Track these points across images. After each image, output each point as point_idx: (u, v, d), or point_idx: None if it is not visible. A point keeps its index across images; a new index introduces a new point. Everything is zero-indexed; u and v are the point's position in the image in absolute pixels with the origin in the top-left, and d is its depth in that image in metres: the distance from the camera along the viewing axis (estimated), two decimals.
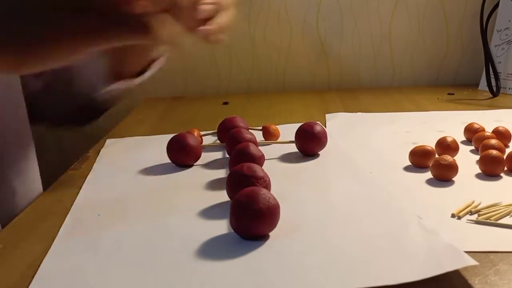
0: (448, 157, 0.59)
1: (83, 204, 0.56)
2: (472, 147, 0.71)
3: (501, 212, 0.49)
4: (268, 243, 0.44)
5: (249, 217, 0.44)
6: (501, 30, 1.15)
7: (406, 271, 0.38)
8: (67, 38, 0.43)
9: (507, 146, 0.70)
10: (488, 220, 0.48)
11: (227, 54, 1.26)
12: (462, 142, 0.74)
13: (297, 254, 0.42)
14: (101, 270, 0.42)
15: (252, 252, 0.42)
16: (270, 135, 0.77)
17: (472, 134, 0.72)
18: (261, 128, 0.79)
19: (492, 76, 1.10)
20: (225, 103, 1.12)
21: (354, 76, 1.28)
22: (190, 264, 0.42)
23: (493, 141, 0.65)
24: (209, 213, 0.52)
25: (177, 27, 0.44)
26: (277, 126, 0.79)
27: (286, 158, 0.69)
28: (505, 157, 0.61)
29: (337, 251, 0.42)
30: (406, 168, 0.64)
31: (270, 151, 0.71)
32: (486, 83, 1.10)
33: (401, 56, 1.27)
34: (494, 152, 0.60)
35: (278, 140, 0.77)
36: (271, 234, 0.46)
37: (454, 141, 0.67)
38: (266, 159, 0.63)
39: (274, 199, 0.45)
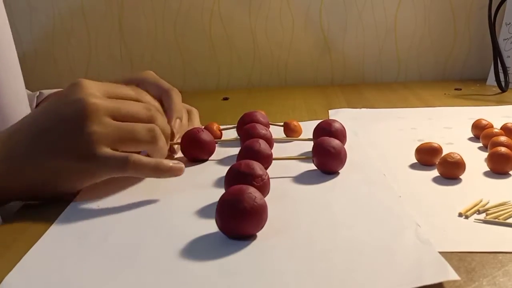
0: (455, 154, 0.57)
1: (85, 193, 0.56)
2: (480, 144, 0.69)
3: (510, 211, 0.48)
4: (253, 243, 0.43)
5: (233, 216, 0.43)
6: (510, 23, 1.13)
7: (382, 280, 0.37)
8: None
9: None
10: (497, 220, 0.46)
11: (227, 48, 1.24)
12: (470, 139, 0.73)
13: (277, 257, 0.41)
14: (80, 261, 0.42)
15: (233, 253, 0.42)
16: (291, 132, 0.75)
17: (480, 130, 0.70)
18: (282, 124, 0.76)
19: (500, 70, 1.08)
20: (225, 98, 1.10)
21: (358, 71, 1.26)
22: (168, 262, 0.41)
23: (503, 138, 0.63)
24: (207, 210, 0.50)
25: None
26: (299, 122, 0.76)
27: (302, 155, 0.66)
28: None
29: (319, 256, 0.41)
30: (412, 166, 0.62)
31: (289, 148, 0.69)
32: (494, 78, 1.08)
33: (407, 50, 1.25)
34: (503, 149, 0.59)
35: (299, 138, 0.74)
36: (259, 234, 0.44)
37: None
38: (281, 156, 0.62)
39: (262, 199, 0.44)
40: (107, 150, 0.52)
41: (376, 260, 0.40)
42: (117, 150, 0.53)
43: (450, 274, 0.37)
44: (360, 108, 0.94)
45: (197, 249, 0.43)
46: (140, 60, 1.25)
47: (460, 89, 1.10)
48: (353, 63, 1.25)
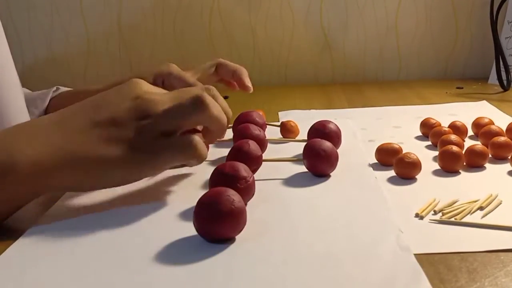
0: (411, 155, 0.58)
1: (69, 193, 0.57)
2: (429, 143, 0.70)
3: (465, 209, 0.48)
4: (230, 247, 0.43)
5: (210, 219, 0.43)
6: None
7: (356, 285, 0.37)
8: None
9: (464, 140, 0.68)
10: (453, 219, 0.47)
11: (227, 46, 1.24)
12: (417, 138, 0.73)
13: (251, 262, 0.41)
14: (54, 260, 0.42)
15: (208, 257, 0.41)
16: (288, 132, 0.74)
17: (429, 129, 0.71)
18: (279, 124, 0.75)
19: (502, 69, 1.07)
20: (225, 97, 1.09)
21: (359, 69, 1.25)
22: (141, 264, 0.41)
23: (453, 137, 0.64)
24: (190, 213, 0.49)
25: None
26: (296, 123, 0.75)
27: (295, 157, 0.65)
28: (463, 152, 0.60)
29: (294, 262, 0.40)
30: (371, 166, 0.62)
31: (284, 149, 0.68)
32: (496, 77, 1.07)
33: (408, 49, 1.24)
34: (454, 148, 0.59)
35: (294, 138, 0.73)
36: (238, 237, 0.44)
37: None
38: (272, 158, 0.62)
39: (240, 201, 0.43)
40: (165, 139, 0.50)
41: (352, 267, 0.39)
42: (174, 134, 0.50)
43: (423, 284, 0.37)
44: (361, 107, 0.94)
45: (173, 252, 0.42)
46: (139, 58, 1.25)
47: (462, 88, 1.10)
48: (354, 61, 1.24)
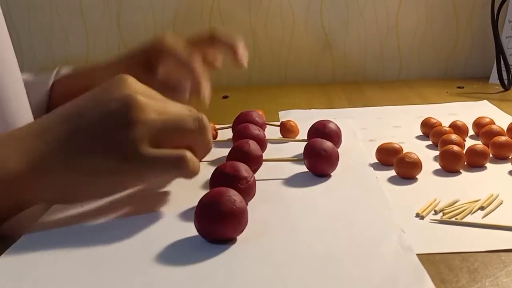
0: (412, 154, 0.58)
1: None
2: (429, 142, 0.70)
3: (466, 209, 0.48)
4: (231, 248, 0.43)
5: (211, 220, 0.42)
6: None
7: (358, 285, 0.37)
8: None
9: (464, 140, 0.68)
10: (454, 219, 0.47)
11: None
12: (418, 137, 0.73)
13: (252, 262, 0.41)
14: (55, 260, 0.42)
15: (209, 258, 0.41)
16: (288, 132, 0.74)
17: (429, 129, 0.71)
18: (279, 124, 0.75)
19: (503, 69, 1.07)
20: (225, 97, 1.10)
21: (359, 69, 1.25)
22: (141, 264, 0.41)
23: (453, 136, 0.64)
24: (190, 213, 0.49)
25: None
26: (296, 122, 0.75)
27: (295, 157, 0.65)
28: (464, 152, 0.60)
29: (295, 262, 0.40)
30: (372, 166, 0.62)
31: (284, 149, 0.68)
32: (497, 76, 1.07)
33: (409, 48, 1.24)
34: (455, 147, 0.59)
35: (294, 138, 0.73)
36: (239, 238, 0.44)
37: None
38: (273, 158, 0.62)
39: (241, 202, 0.43)
40: (154, 150, 0.46)
41: (353, 267, 0.39)
42: (162, 147, 0.47)
43: (426, 284, 0.36)
44: (362, 106, 0.94)
45: (174, 253, 0.42)
46: None
47: (463, 87, 1.09)
48: (354, 61, 1.24)
